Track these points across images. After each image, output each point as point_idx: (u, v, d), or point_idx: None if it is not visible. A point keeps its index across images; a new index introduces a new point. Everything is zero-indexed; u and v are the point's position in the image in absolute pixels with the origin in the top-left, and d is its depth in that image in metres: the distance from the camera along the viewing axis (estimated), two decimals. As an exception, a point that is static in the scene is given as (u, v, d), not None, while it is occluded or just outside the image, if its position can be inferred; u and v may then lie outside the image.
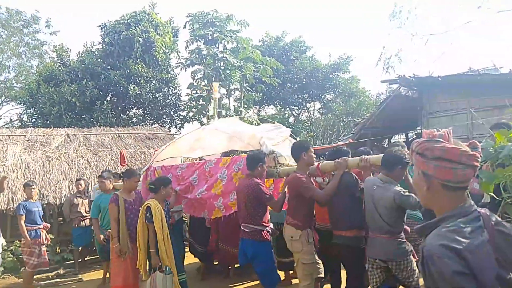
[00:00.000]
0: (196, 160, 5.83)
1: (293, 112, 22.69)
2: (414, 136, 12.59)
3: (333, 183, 3.67)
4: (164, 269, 4.19)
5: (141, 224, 4.30)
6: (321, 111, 23.15)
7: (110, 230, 4.89)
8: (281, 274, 4.74)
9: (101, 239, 5.53)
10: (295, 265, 4.12)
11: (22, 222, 5.69)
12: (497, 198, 2.64)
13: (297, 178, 3.71)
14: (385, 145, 12.74)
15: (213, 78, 15.35)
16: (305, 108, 22.97)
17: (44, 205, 7.29)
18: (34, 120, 14.95)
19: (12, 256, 6.81)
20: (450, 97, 9.26)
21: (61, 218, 7.89)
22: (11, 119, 19.79)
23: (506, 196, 2.53)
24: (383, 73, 10.40)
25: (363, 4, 50.15)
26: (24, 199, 6.07)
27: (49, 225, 6.33)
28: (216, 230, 5.52)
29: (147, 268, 4.43)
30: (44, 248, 5.98)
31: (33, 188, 6.02)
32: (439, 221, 1.41)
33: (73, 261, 7.23)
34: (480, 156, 1.46)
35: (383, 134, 11.89)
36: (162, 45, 15.65)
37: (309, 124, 22.45)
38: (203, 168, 4.73)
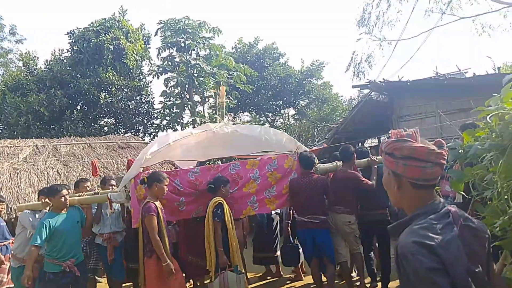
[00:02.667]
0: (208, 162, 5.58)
1: (268, 119, 22.82)
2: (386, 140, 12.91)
3: (373, 176, 4.79)
4: (233, 268, 4.21)
5: (209, 222, 4.21)
6: (295, 117, 23.39)
7: (71, 260, 4.18)
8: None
9: (27, 280, 4.00)
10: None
11: (-10, 239, 5.42)
12: (467, 197, 2.74)
13: (355, 174, 4.75)
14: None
15: (186, 86, 15.26)
16: (280, 115, 23.15)
17: (12, 220, 6.98)
18: (0, 131, 14.36)
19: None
20: (419, 101, 9.58)
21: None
22: (-26, 131, 18.95)
23: (475, 194, 2.62)
24: (354, 78, 10.67)
25: (334, 10, 51.32)
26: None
27: (17, 240, 6.06)
28: (184, 242, 5.13)
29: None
30: (13, 264, 5.71)
31: (3, 204, 5.78)
32: (411, 219, 1.45)
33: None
34: (447, 155, 1.52)
35: (356, 138, 12.14)
36: (134, 53, 15.43)
37: (284, 130, 22.60)
38: (228, 170, 4.77)
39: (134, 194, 4.49)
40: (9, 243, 5.67)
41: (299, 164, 4.83)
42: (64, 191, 4.29)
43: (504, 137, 1.92)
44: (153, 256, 3.97)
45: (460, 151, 2.90)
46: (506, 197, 2.07)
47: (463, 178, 2.67)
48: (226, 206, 4.35)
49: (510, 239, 2.08)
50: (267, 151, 5.64)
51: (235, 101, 17.30)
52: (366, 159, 5.04)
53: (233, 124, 5.56)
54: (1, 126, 14.43)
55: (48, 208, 4.44)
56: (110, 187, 5.34)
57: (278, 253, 5.79)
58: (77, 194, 4.91)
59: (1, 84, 15.99)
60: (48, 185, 7.82)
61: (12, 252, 4.65)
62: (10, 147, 8.91)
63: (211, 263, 4.24)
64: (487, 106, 2.06)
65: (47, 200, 4.45)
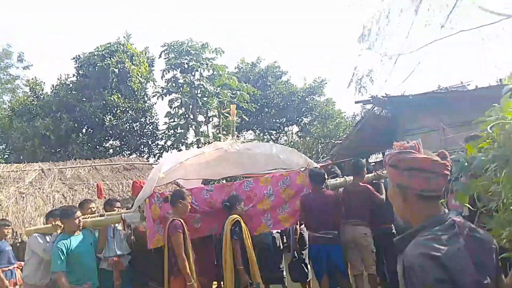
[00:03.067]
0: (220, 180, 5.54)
1: (272, 137, 22.89)
2: (391, 154, 12.83)
3: (382, 191, 4.87)
4: (255, 286, 4.16)
5: (227, 241, 4.14)
6: (299, 134, 23.44)
7: (87, 284, 4.06)
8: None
9: None
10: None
11: (-5, 263, 5.40)
12: (473, 209, 2.71)
13: (368, 187, 4.79)
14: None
15: (190, 106, 15.42)
16: (283, 132, 23.23)
17: (18, 244, 6.97)
18: (7, 156, 14.52)
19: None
20: (422, 115, 9.57)
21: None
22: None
23: (480, 206, 2.59)
24: (356, 93, 10.72)
25: (335, 27, 52.05)
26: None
27: (22, 264, 6.03)
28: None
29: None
30: (18, 289, 5.68)
31: (6, 228, 5.78)
32: (417, 231, 1.44)
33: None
34: (450, 165, 1.51)
35: (361, 154, 12.10)
36: (138, 75, 15.68)
37: (288, 148, 22.66)
38: (242, 188, 4.77)
39: (149, 214, 4.37)
40: (14, 267, 5.66)
41: (310, 180, 4.82)
42: (78, 213, 4.17)
43: (507, 147, 1.92)
44: (181, 275, 3.85)
45: (464, 163, 2.89)
46: (511, 207, 2.05)
47: (468, 190, 2.65)
48: (243, 224, 4.31)
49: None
50: (276, 168, 5.61)
51: (239, 120, 17.42)
52: (373, 173, 5.09)
53: (241, 142, 5.53)
54: (8, 151, 14.60)
55: (59, 230, 4.21)
56: (116, 209, 5.32)
57: (284, 273, 5.68)
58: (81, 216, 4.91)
59: (8, 109, 16.26)
60: (54, 208, 7.85)
61: (23, 278, 4.24)
62: (16, 171, 8.96)
63: (231, 282, 4.12)
64: (488, 116, 2.07)
65: (58, 222, 4.27)
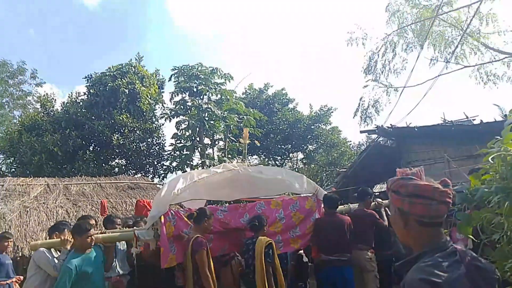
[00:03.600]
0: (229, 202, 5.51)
1: (277, 162, 22.92)
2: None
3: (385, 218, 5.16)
4: None
5: (260, 264, 4.10)
6: (304, 161, 23.46)
7: None
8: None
9: None
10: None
11: (-6, 276, 5.40)
12: (476, 241, 2.72)
13: (373, 213, 5.09)
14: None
15: (197, 128, 15.57)
16: (288, 158, 23.27)
17: (18, 258, 6.95)
18: (14, 169, 14.64)
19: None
20: (427, 147, 9.61)
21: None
22: (-12, 170, 19.30)
23: (484, 238, 2.60)
24: (361, 123, 10.82)
25: (343, 57, 52.91)
26: (-2, 251, 5.80)
27: (21, 278, 6.01)
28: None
29: None
30: (16, 304, 5.65)
31: (9, 240, 5.81)
32: (418, 257, 1.46)
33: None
34: (452, 194, 1.55)
35: (365, 183, 12.08)
36: (148, 96, 15.96)
37: (293, 174, 22.62)
38: (255, 210, 4.85)
39: (164, 231, 4.28)
40: (13, 281, 5.65)
41: (324, 204, 5.03)
42: (92, 231, 3.95)
43: (509, 179, 1.96)
44: None
45: (467, 194, 2.92)
46: (514, 240, 2.06)
47: (471, 221, 2.67)
48: (274, 246, 4.35)
49: (521, 284, 2.05)
50: (285, 193, 5.74)
51: (249, 144, 17.53)
52: (373, 202, 5.32)
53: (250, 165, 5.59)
54: (15, 165, 14.72)
55: (68, 247, 3.95)
56: (117, 226, 5.25)
57: None
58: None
59: (18, 124, 16.53)
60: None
61: None
62: (22, 185, 9.04)
63: None
64: (490, 148, 2.12)
65: (67, 237, 4.05)
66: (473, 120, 11.49)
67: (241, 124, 16.50)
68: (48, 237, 4.53)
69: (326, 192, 5.38)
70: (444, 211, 1.51)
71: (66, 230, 4.07)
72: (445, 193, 1.51)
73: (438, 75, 7.22)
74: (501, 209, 2.09)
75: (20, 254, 7.16)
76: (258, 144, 17.40)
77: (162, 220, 4.32)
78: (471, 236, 2.61)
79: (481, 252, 3.03)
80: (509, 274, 2.17)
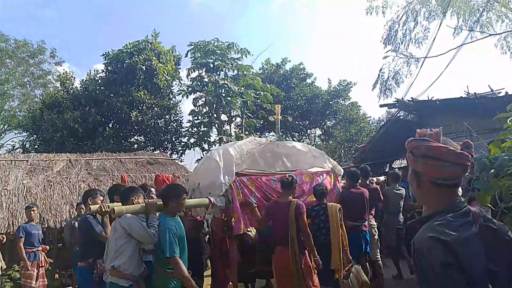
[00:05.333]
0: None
1: (294, 139, 22.80)
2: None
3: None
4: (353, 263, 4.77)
5: (336, 226, 4.60)
6: (322, 138, 23.27)
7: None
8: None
9: None
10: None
11: (21, 244, 5.68)
12: (494, 209, 2.66)
13: (378, 189, 5.84)
14: (386, 170, 12.72)
15: (214, 105, 15.60)
16: (306, 135, 23.10)
17: (44, 229, 7.26)
18: (37, 146, 15.09)
19: (9, 281, 6.72)
20: (449, 120, 9.34)
21: (61, 244, 7.82)
22: (13, 147, 19.95)
23: (502, 206, 2.55)
24: (381, 95, 10.56)
25: (363, 29, 51.43)
26: (25, 222, 6.08)
27: (47, 247, 6.30)
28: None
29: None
30: (42, 271, 5.94)
31: (33, 210, 6.05)
32: (430, 216, 1.44)
33: (71, 287, 7.11)
34: (472, 156, 1.50)
35: (384, 158, 11.90)
36: (165, 73, 16.00)
37: (310, 150, 22.52)
38: (298, 180, 5.08)
39: (236, 198, 4.46)
40: (38, 250, 5.94)
41: (347, 178, 5.64)
42: (184, 195, 3.74)
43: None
44: (306, 252, 4.30)
45: (486, 162, 2.84)
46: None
47: (490, 189, 2.61)
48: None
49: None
50: (312, 167, 5.91)
51: (261, 121, 17.48)
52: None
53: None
54: (38, 142, 15.16)
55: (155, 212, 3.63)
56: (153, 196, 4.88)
57: None
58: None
59: (40, 102, 16.90)
60: (79, 198, 8.11)
61: (117, 268, 3.36)
62: (45, 160, 9.33)
63: (340, 262, 4.57)
64: (510, 110, 2.03)
65: (154, 200, 3.87)
66: (499, 93, 11.07)
67: (258, 100, 16.42)
68: (102, 201, 4.27)
69: (342, 168, 5.94)
70: (459, 173, 1.47)
71: (141, 194, 3.90)
72: (461, 155, 1.46)
73: (462, 44, 6.93)
74: (520, 174, 2.03)
75: (46, 226, 7.48)
76: (290, 120, 17.38)
77: (233, 187, 4.49)
78: (489, 205, 2.56)
79: (498, 219, 2.98)
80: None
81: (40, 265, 5.96)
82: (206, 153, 15.76)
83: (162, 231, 3.37)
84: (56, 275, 7.42)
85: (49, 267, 6.58)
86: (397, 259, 6.35)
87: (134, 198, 3.68)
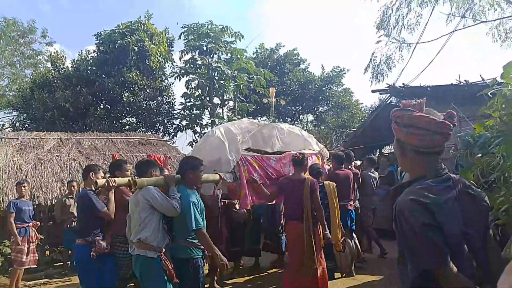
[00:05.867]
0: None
1: (287, 124, 22.84)
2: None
3: None
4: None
5: (336, 201, 5.12)
6: (314, 123, 23.36)
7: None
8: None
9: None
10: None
11: (12, 219, 5.71)
12: (476, 186, 2.75)
13: (358, 173, 6.46)
14: (376, 156, 12.88)
15: (207, 88, 15.52)
16: (298, 120, 23.15)
17: (35, 206, 7.27)
18: (27, 125, 14.95)
19: (0, 256, 6.76)
20: (440, 107, 9.36)
21: (52, 221, 7.85)
22: (3, 126, 19.71)
23: (482, 181, 2.63)
24: (372, 80, 10.61)
25: (357, 17, 51.12)
26: (15, 198, 6.09)
27: (38, 223, 6.33)
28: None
29: None
30: (33, 246, 5.99)
31: (24, 187, 6.06)
32: (412, 182, 1.51)
33: (62, 263, 7.18)
34: (454, 125, 1.56)
35: (374, 143, 12.03)
36: (157, 54, 15.83)
37: (302, 136, 22.61)
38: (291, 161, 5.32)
39: (243, 175, 4.62)
40: (29, 226, 5.98)
41: (333, 160, 6.08)
42: (202, 167, 3.79)
43: (507, 115, 1.95)
44: (318, 226, 4.57)
45: (470, 140, 2.92)
46: (511, 179, 2.08)
47: (472, 166, 2.69)
48: None
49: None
50: (304, 149, 6.13)
51: (254, 106, 17.46)
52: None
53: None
54: (28, 121, 15.01)
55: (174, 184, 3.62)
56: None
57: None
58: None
59: (30, 82, 16.66)
60: (70, 176, 8.10)
61: (143, 240, 3.33)
62: (36, 138, 9.27)
63: (339, 237, 5.02)
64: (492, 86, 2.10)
65: (167, 172, 3.96)
66: (489, 82, 11.17)
67: (251, 84, 16.36)
68: (109, 174, 4.22)
69: (330, 152, 6.41)
70: (440, 141, 1.54)
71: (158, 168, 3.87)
72: (442, 124, 1.53)
73: (454, 30, 6.97)
74: (498, 149, 2.10)
75: (37, 203, 7.49)
76: (283, 103, 17.33)
77: (240, 164, 4.65)
78: (472, 181, 2.65)
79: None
80: (503, 214, 2.21)
81: (31, 241, 6.00)
82: (200, 135, 15.81)
83: (186, 204, 3.41)
84: (47, 252, 7.46)
85: (40, 243, 6.62)
86: (375, 237, 7.03)
87: (152, 171, 3.69)
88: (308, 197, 4.41)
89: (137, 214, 3.40)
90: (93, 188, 3.80)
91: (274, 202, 5.73)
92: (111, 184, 3.59)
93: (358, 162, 7.45)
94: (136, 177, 3.67)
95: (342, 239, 5.03)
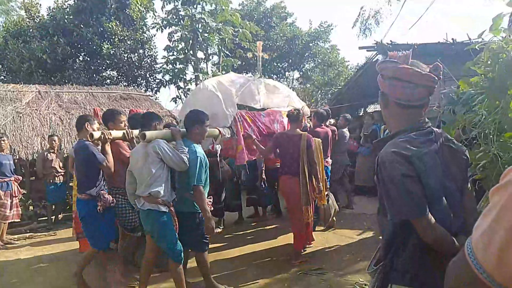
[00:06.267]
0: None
1: (272, 80, 22.59)
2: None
3: None
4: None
5: (321, 156, 5.00)
6: (299, 81, 23.16)
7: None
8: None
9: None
10: None
11: (-7, 173, 5.61)
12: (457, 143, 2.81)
13: (335, 130, 6.74)
14: (361, 114, 12.98)
15: (191, 41, 15.02)
16: (284, 77, 22.89)
17: (16, 161, 7.16)
18: (3, 77, 14.33)
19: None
20: (426, 65, 9.42)
21: (33, 177, 7.77)
22: (-24, 77, 18.89)
23: (463, 138, 2.68)
24: (360, 35, 10.44)
25: (346, -27, 49.28)
26: (-6, 151, 5.96)
27: (20, 178, 6.26)
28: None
29: None
30: (16, 201, 5.96)
31: (3, 140, 5.93)
32: (395, 134, 1.52)
33: (46, 217, 7.20)
34: (439, 78, 1.55)
35: (360, 101, 12.08)
36: (138, 3, 15.08)
37: (288, 93, 22.48)
38: (278, 117, 5.47)
39: (239, 130, 4.71)
40: (11, 180, 5.91)
41: (314, 118, 6.05)
42: (207, 122, 3.75)
43: (492, 71, 1.95)
44: (312, 178, 4.67)
45: (453, 97, 2.94)
46: (490, 135, 2.12)
47: (455, 122, 2.72)
48: None
49: (489, 177, 2.16)
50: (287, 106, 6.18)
51: (239, 62, 17.07)
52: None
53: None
54: (4, 72, 14.39)
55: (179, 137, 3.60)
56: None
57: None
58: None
59: (3, 31, 15.77)
60: (50, 130, 7.93)
61: (153, 194, 3.32)
62: (13, 91, 8.94)
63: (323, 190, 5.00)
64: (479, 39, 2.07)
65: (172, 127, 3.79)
66: (475, 40, 11.13)
67: (236, 38, 15.89)
68: (110, 126, 4.04)
69: (310, 109, 6.54)
70: (423, 94, 1.53)
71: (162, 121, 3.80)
72: (426, 76, 1.51)
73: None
74: (481, 106, 2.12)
75: (17, 157, 7.36)
76: (267, 57, 16.98)
77: (236, 119, 4.69)
78: (452, 138, 2.69)
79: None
80: (481, 170, 2.28)
81: (14, 195, 5.96)
82: (183, 90, 15.50)
83: (193, 159, 3.39)
84: (30, 207, 7.45)
85: (23, 198, 6.59)
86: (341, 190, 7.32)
87: (156, 124, 3.61)
88: (305, 152, 4.53)
89: (146, 167, 3.33)
90: (89, 140, 3.66)
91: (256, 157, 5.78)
92: (107, 137, 3.54)
93: (332, 121, 7.52)
94: (128, 128, 3.68)
95: (326, 192, 5.15)
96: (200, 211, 3.48)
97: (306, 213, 4.58)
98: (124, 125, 4.20)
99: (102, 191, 3.75)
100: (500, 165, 1.91)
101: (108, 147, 3.79)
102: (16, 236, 6.24)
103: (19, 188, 6.10)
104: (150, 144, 3.37)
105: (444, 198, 1.42)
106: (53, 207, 7.28)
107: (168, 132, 3.60)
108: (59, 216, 7.42)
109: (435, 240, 1.34)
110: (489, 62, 1.95)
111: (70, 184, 7.38)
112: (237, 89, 4.97)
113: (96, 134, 3.54)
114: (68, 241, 5.94)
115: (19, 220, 6.26)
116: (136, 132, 3.79)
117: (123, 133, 3.71)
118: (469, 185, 1.62)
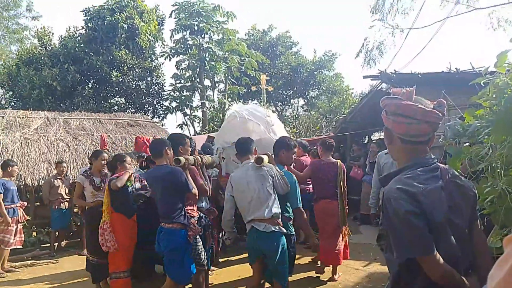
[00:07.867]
0: None
1: (277, 108, 22.80)
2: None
3: None
4: None
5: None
6: (304, 108, 23.33)
7: None
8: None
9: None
10: None
11: (0, 200, 5.62)
12: (464, 176, 2.78)
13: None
14: (365, 142, 12.96)
15: (198, 69, 15.33)
16: (289, 104, 23.10)
17: (21, 186, 7.18)
18: (13, 103, 14.63)
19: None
20: (430, 95, 9.42)
21: (38, 203, 7.77)
22: (-13, 103, 19.27)
23: (470, 171, 2.65)
24: (364, 65, 10.58)
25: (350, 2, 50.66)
26: (1, 177, 5.99)
27: (25, 204, 6.26)
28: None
29: None
30: (20, 226, 5.94)
31: (13, 167, 5.98)
32: (400, 170, 1.51)
33: (49, 244, 7.14)
34: (443, 114, 1.55)
35: (364, 129, 12.08)
36: (147, 33, 15.52)
37: (293, 121, 22.61)
38: None
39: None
40: (17, 206, 5.91)
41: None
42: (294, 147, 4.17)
43: (498, 105, 1.95)
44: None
45: (459, 129, 2.93)
46: (498, 169, 2.10)
47: (461, 154, 2.70)
48: None
49: (497, 212, 2.12)
50: None
51: (245, 89, 17.31)
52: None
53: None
54: (15, 99, 14.68)
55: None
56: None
57: None
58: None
59: (16, 58, 16.23)
60: (57, 156, 8.00)
61: (273, 215, 3.43)
62: (22, 117, 9.08)
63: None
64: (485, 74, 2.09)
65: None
66: (479, 71, 11.22)
67: (242, 67, 16.19)
68: (181, 150, 3.90)
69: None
70: (427, 130, 1.53)
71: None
72: (430, 113, 1.52)
73: (447, 17, 6.90)
74: (487, 139, 2.11)
75: (23, 183, 7.39)
76: (270, 90, 17.24)
77: None
78: (459, 171, 2.67)
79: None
80: (489, 204, 2.24)
81: (19, 221, 5.95)
82: (189, 117, 15.63)
83: (292, 182, 3.66)
84: (34, 233, 7.41)
85: (26, 224, 6.57)
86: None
87: (180, 148, 3.81)
88: (341, 177, 4.90)
89: (264, 190, 3.42)
90: (173, 165, 3.60)
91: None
92: (199, 162, 3.87)
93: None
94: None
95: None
96: (293, 232, 3.75)
97: (345, 232, 4.97)
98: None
99: (190, 219, 3.60)
100: (509, 200, 1.88)
101: (188, 174, 3.70)
102: (17, 264, 6.17)
103: (24, 214, 6.08)
104: (264, 168, 3.51)
105: (451, 236, 1.40)
106: (57, 233, 7.22)
107: (269, 158, 3.76)
108: (62, 243, 7.35)
109: (443, 278, 1.32)
110: (494, 96, 1.96)
111: (75, 210, 7.37)
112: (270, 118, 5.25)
113: (182, 160, 3.58)
114: (71, 269, 5.87)
115: (21, 246, 6.20)
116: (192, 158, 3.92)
117: (194, 158, 3.83)
118: (478, 221, 1.60)
